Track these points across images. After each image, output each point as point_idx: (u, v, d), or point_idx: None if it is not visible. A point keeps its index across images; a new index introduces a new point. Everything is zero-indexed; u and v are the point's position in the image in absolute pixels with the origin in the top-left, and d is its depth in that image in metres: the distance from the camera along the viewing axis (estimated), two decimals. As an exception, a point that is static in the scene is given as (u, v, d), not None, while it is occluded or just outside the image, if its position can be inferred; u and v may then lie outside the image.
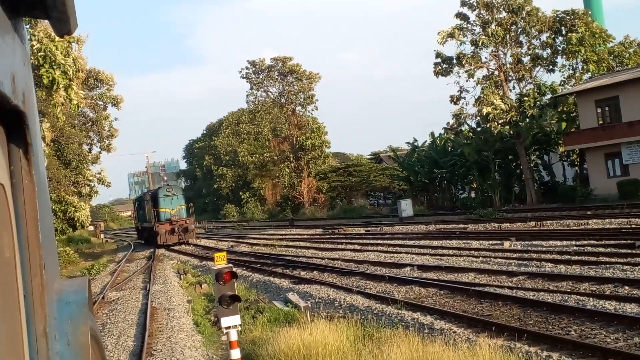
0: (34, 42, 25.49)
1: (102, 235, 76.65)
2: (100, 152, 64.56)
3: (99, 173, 61.26)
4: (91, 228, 76.74)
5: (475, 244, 28.34)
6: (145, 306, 20.88)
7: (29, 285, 1.47)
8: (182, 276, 28.91)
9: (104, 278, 32.01)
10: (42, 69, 25.39)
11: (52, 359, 1.54)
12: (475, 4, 51.83)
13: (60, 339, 1.63)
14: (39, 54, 25.51)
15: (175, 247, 47.52)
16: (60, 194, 45.34)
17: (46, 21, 1.58)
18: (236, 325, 9.30)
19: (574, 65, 53.54)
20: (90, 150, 62.93)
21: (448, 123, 56.30)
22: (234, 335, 9.26)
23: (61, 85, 26.07)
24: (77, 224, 48.11)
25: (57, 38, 26.05)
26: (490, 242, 28.24)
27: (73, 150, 54.31)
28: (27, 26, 23.79)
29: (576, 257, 20.89)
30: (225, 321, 9.23)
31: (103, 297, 24.29)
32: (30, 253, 1.48)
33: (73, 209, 46.15)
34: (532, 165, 54.67)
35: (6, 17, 1.41)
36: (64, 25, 1.58)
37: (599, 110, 47.86)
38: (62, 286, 1.80)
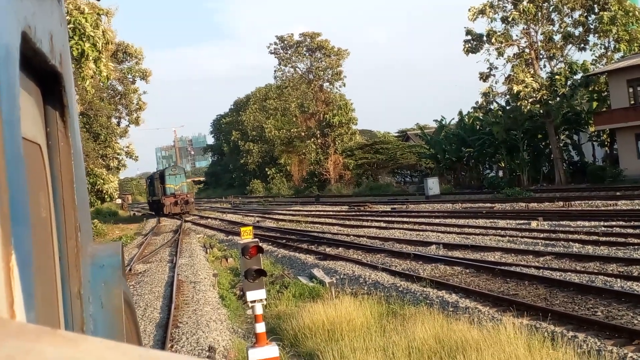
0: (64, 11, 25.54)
1: (129, 209, 77.25)
2: (128, 126, 64.96)
3: (127, 146, 61.77)
4: (119, 201, 77.49)
5: (502, 223, 28.19)
6: (171, 279, 21.07)
7: (64, 247, 1.47)
8: (208, 250, 29.10)
9: (130, 250, 32.32)
10: (72, 41, 25.47)
11: (86, 320, 1.54)
12: (507, -20, 51.16)
13: (94, 301, 1.64)
14: (68, 26, 25.58)
15: (202, 222, 48.68)
16: (89, 166, 45.75)
17: None
18: (261, 299, 9.32)
19: (606, 44, 52.72)
20: (118, 124, 63.33)
21: (477, 102, 55.86)
22: (259, 309, 9.30)
23: (90, 58, 26.17)
24: (106, 196, 48.62)
25: (86, 10, 26.14)
26: (517, 221, 28.06)
27: (102, 124, 54.71)
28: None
29: (604, 238, 20.70)
30: (250, 295, 9.26)
31: (130, 270, 24.54)
32: (65, 215, 1.49)
33: (101, 181, 46.63)
34: (561, 145, 54.11)
35: None
36: None
37: (631, 89, 47.16)
38: (95, 250, 1.81)
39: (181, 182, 60.94)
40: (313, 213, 45.90)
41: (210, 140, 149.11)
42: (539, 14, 51.24)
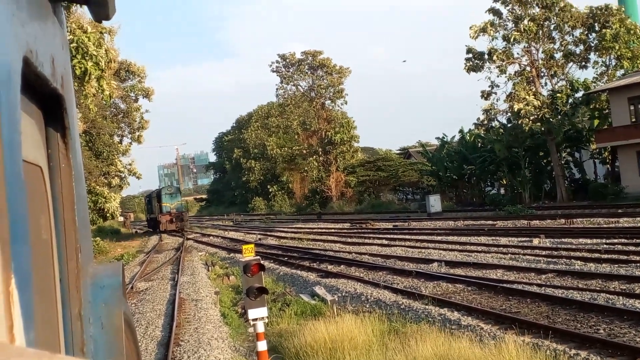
0: (66, 34, 25.66)
1: (132, 228, 77.32)
2: (130, 144, 64.96)
3: (130, 164, 61.76)
4: (121, 219, 77.54)
5: (504, 240, 28.15)
6: (173, 297, 21.04)
7: (64, 268, 1.49)
8: (210, 268, 29.06)
9: (132, 268, 32.27)
10: (75, 60, 25.59)
11: (87, 341, 1.55)
12: (508, -1, 51.40)
13: (94, 322, 1.65)
14: (71, 45, 25.73)
15: (204, 239, 48.70)
16: (91, 184, 45.78)
17: (78, 12, 1.60)
18: (263, 317, 9.33)
19: (607, 62, 52.89)
20: (121, 142, 63.35)
21: (478, 119, 55.94)
22: (260, 327, 9.30)
23: (93, 76, 26.25)
24: (108, 215, 48.61)
25: (89, 29, 26.25)
26: (519, 239, 28.02)
27: (104, 142, 54.77)
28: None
29: (606, 256, 20.66)
30: (252, 313, 9.26)
31: (132, 288, 24.50)
32: (66, 236, 1.50)
33: (103, 199, 46.61)
34: (563, 162, 54.11)
35: (47, 1, 1.42)
36: (102, 10, 1.60)
37: (632, 107, 47.24)
38: (96, 271, 1.83)
39: (177, 201, 64.03)
40: (315, 230, 45.85)
41: (213, 157, 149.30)
42: (540, 32, 51.42)
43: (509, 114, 53.03)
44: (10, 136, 0.96)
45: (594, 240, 24.93)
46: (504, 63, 51.82)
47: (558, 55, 52.61)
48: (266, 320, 9.68)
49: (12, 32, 1.05)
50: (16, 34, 1.08)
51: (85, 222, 1.73)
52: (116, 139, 61.55)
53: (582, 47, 51.93)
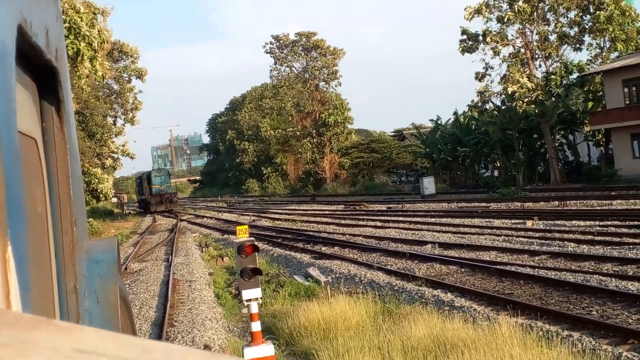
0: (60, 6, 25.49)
1: (124, 207, 77.47)
2: (124, 125, 64.82)
3: (123, 145, 61.63)
4: (114, 200, 77.60)
5: (497, 222, 28.23)
6: (167, 278, 21.06)
7: (60, 242, 1.47)
8: (203, 249, 29.10)
9: (126, 249, 32.28)
10: (67, 40, 25.44)
11: (82, 315, 1.55)
12: (502, -20, 51.21)
13: (89, 296, 1.64)
14: (64, 25, 25.55)
15: (197, 221, 48.92)
16: (85, 165, 45.65)
17: None
18: (257, 298, 9.34)
19: (602, 44, 52.84)
20: (114, 123, 63.16)
21: (472, 101, 55.87)
22: (254, 308, 9.31)
23: (86, 57, 26.15)
24: (101, 195, 48.57)
25: (82, 9, 26.11)
26: (513, 221, 28.09)
27: (97, 122, 54.58)
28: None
29: (599, 238, 20.74)
30: (246, 294, 9.27)
31: (126, 268, 24.51)
32: (61, 209, 1.49)
33: (96, 180, 46.52)
34: (556, 144, 54.15)
35: None
36: None
37: (626, 89, 47.21)
38: (91, 245, 1.81)
39: (166, 183, 67.74)
40: (309, 212, 45.89)
41: (206, 139, 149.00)
42: (535, 13, 51.30)
43: (503, 96, 53.00)
44: (5, 105, 0.94)
45: (587, 223, 25.01)
46: (498, 45, 51.73)
47: (552, 37, 52.52)
48: (260, 301, 9.68)
49: (6, 0, 1.03)
50: (10, 2, 1.06)
51: (81, 197, 1.72)
52: (109, 120, 61.36)
53: (576, 29, 51.82)
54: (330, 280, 17.35)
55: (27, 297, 0.97)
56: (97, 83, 38.95)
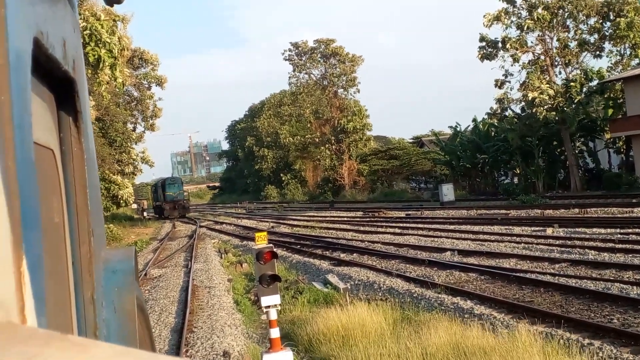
0: (80, 21, 25.69)
1: (144, 214, 77.96)
2: (144, 132, 65.24)
3: (143, 152, 62.01)
4: (134, 206, 78.16)
5: (517, 229, 28.06)
6: (186, 284, 21.12)
7: (77, 252, 1.48)
8: (223, 255, 29.16)
9: (146, 255, 32.42)
10: (88, 47, 25.66)
11: (99, 325, 1.55)
12: (522, -13, 51.06)
13: (107, 306, 1.65)
14: (84, 32, 25.78)
15: (217, 227, 49.10)
16: (105, 172, 45.96)
17: (92, 0, 1.58)
18: (276, 305, 9.34)
19: (622, 51, 52.49)
20: (134, 129, 63.59)
21: (491, 108, 55.68)
22: (273, 315, 9.31)
23: (106, 64, 26.31)
24: (121, 202, 48.88)
25: (102, 17, 26.30)
26: (533, 228, 27.92)
27: (117, 129, 54.94)
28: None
29: (620, 245, 20.55)
30: (265, 300, 9.27)
31: (145, 274, 24.61)
32: (79, 220, 1.49)
33: (117, 187, 46.83)
34: (576, 151, 53.82)
35: None
36: None
37: (647, 96, 46.83)
38: (109, 255, 1.82)
39: (179, 190, 71.38)
40: (327, 219, 45.87)
41: (225, 146, 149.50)
42: (554, 20, 51.07)
43: (523, 103, 52.76)
44: (20, 117, 0.94)
45: (608, 230, 24.80)
46: (517, 52, 51.54)
47: (572, 44, 52.24)
48: (279, 308, 9.69)
49: (22, 13, 1.03)
50: (26, 14, 1.06)
51: (98, 206, 1.72)
52: (129, 126, 61.76)
53: (596, 35, 51.53)
54: (349, 287, 17.32)
55: (43, 310, 0.97)
56: (117, 90, 39.19)
